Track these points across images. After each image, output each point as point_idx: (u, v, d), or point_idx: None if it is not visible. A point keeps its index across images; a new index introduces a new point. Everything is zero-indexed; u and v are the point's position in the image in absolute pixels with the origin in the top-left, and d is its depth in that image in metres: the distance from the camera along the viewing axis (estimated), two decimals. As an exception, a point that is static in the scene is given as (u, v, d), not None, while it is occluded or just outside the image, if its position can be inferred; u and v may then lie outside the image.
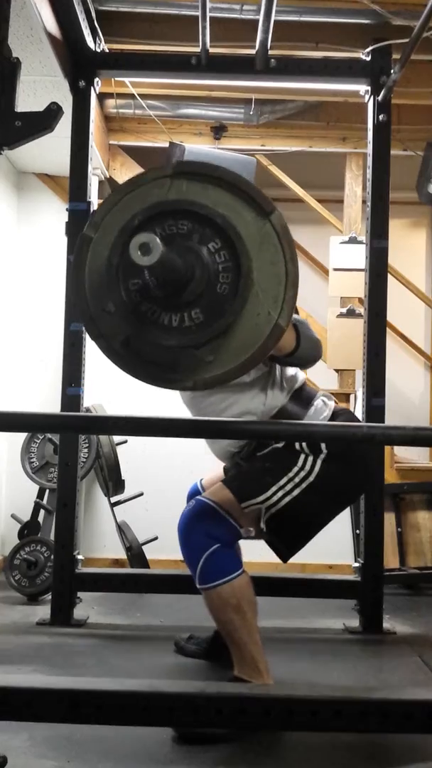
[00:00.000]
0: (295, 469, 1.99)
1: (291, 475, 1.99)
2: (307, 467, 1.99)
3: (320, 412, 2.10)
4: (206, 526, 1.98)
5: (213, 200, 1.57)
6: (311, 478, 1.99)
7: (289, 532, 2.02)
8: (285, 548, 2.04)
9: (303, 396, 2.12)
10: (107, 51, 3.05)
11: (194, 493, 2.34)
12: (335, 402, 2.18)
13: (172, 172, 1.58)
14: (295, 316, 1.87)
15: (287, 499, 1.97)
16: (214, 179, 1.58)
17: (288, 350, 1.93)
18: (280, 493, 1.97)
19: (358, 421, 2.19)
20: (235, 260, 1.54)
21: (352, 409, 4.10)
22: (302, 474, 1.99)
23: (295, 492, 1.98)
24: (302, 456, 2.01)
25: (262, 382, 2.08)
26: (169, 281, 1.52)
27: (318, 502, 2.02)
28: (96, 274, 1.59)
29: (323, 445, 2.01)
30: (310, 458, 2.01)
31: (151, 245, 1.37)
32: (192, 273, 1.53)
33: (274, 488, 1.97)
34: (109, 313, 1.58)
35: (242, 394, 2.07)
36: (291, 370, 2.16)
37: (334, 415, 2.12)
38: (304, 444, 2.01)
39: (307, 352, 1.99)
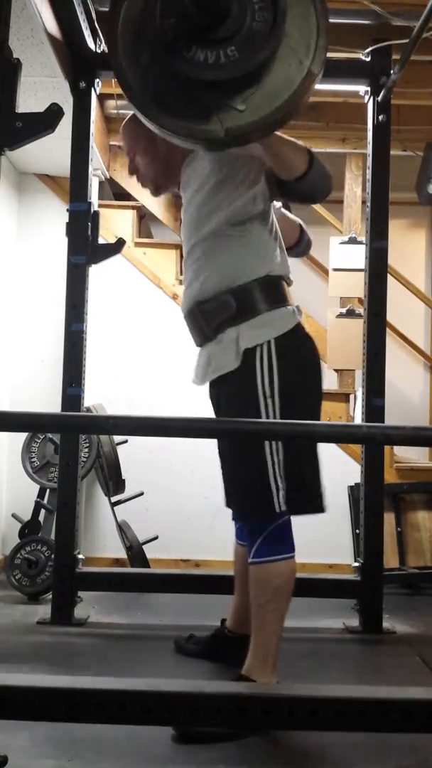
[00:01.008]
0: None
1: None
2: (271, 413, 1.95)
3: (286, 320, 2.02)
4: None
5: None
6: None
7: (304, 479, 1.99)
8: (315, 496, 2.01)
9: (276, 290, 2.04)
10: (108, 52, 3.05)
11: None
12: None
13: None
14: (311, 148, 1.88)
15: (280, 456, 1.94)
16: None
17: (299, 172, 1.89)
18: (271, 458, 1.94)
19: (316, 348, 2.12)
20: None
21: (351, 410, 4.11)
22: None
23: (281, 445, 1.94)
24: (263, 405, 1.96)
25: (256, 231, 2.02)
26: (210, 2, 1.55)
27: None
28: (129, 30, 1.63)
29: (276, 377, 1.95)
30: (270, 403, 1.96)
31: None
32: (229, 7, 1.57)
33: (267, 451, 1.94)
34: (142, 66, 1.61)
35: (230, 243, 2.01)
36: (283, 255, 2.11)
37: (297, 328, 2.03)
38: (265, 388, 1.95)
39: (319, 177, 1.94)
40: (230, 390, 2.05)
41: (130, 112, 3.94)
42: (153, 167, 2.22)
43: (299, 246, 2.27)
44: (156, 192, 2.30)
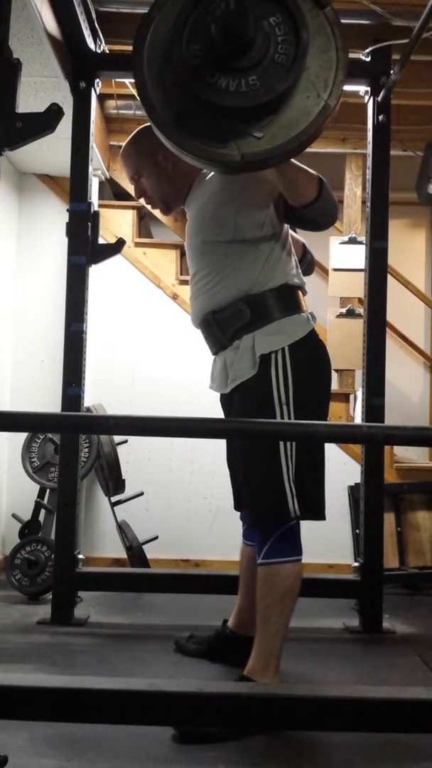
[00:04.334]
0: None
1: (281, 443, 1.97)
2: (286, 418, 1.97)
3: (299, 327, 2.05)
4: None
5: None
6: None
7: (309, 486, 2.00)
8: (318, 506, 2.03)
9: (290, 298, 2.07)
10: (107, 52, 3.05)
11: None
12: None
13: None
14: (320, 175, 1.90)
15: (293, 461, 1.96)
16: None
17: (309, 198, 1.90)
18: (286, 462, 1.96)
19: (328, 355, 2.18)
20: (294, 33, 1.62)
21: (351, 410, 4.11)
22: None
23: (294, 451, 1.97)
24: (278, 410, 1.98)
25: (266, 247, 2.04)
26: (236, 30, 1.60)
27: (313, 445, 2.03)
28: (156, 50, 1.69)
29: (291, 383, 1.99)
30: (285, 409, 1.98)
31: None
32: (254, 38, 1.62)
33: (282, 460, 1.96)
34: (166, 86, 1.66)
35: (243, 257, 2.04)
36: (298, 269, 2.14)
37: (310, 335, 2.07)
38: (281, 394, 1.98)
39: (327, 205, 1.95)
40: (244, 394, 2.05)
41: (130, 113, 3.96)
42: (160, 186, 2.24)
43: (302, 265, 2.29)
44: (167, 210, 2.31)
